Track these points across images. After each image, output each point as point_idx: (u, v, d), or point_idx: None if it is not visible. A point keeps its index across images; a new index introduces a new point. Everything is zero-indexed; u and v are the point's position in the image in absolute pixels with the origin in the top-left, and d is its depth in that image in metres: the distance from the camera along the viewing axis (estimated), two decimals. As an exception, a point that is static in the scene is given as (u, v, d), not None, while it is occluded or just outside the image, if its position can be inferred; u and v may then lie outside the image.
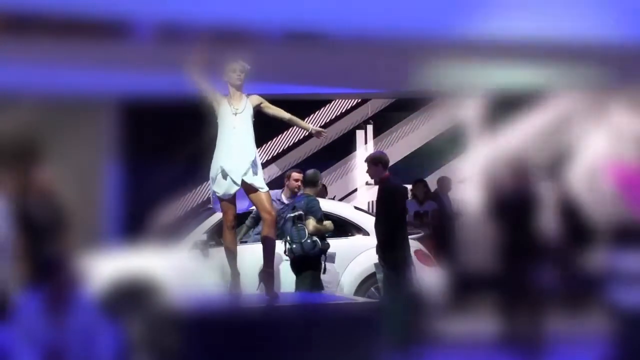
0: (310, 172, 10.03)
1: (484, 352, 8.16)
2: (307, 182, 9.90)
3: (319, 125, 15.78)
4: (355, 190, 14.74)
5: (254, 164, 7.78)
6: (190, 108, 7.87)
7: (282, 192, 10.38)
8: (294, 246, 9.54)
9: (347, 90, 13.03)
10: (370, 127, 15.35)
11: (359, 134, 15.18)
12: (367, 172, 9.61)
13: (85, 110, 7.97)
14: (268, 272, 7.87)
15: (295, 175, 10.36)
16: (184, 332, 7.06)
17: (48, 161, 7.88)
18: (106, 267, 8.93)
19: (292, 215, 9.61)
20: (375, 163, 9.37)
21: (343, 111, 15.95)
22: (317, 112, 15.84)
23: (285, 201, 10.25)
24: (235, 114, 7.74)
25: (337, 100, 15.63)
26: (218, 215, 10.33)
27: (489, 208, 8.58)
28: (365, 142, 15.60)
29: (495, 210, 8.50)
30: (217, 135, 7.81)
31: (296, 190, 10.32)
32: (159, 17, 7.50)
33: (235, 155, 7.74)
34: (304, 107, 14.45)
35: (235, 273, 7.94)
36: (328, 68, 9.27)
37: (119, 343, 6.56)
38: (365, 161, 9.57)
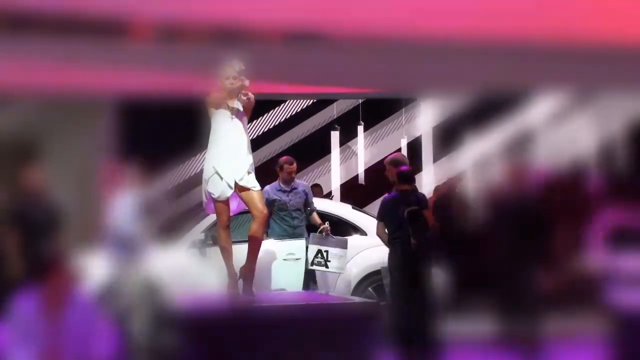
0: (406, 168, 9.85)
1: (484, 353, 8.16)
2: (405, 178, 9.58)
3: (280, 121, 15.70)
4: (330, 193, 14.52)
5: (250, 166, 7.85)
6: (189, 108, 7.90)
7: (278, 182, 10.39)
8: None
9: (346, 90, 13.00)
10: (360, 128, 15.16)
11: (333, 135, 14.94)
12: (387, 173, 9.79)
13: (84, 110, 7.96)
14: (251, 270, 7.94)
15: (288, 167, 10.35)
16: (182, 332, 7.05)
17: (46, 160, 7.86)
18: (104, 266, 8.90)
19: (410, 209, 9.43)
20: (396, 165, 9.58)
21: (298, 111, 15.73)
22: (271, 111, 15.61)
23: (287, 188, 10.30)
24: (232, 117, 7.81)
25: (293, 100, 15.36)
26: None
27: (487, 210, 8.61)
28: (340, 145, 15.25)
29: (494, 212, 8.54)
30: (210, 137, 7.88)
31: (292, 176, 10.34)
32: (159, 16, 7.47)
33: (232, 159, 7.82)
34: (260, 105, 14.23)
35: (231, 272, 7.98)
36: (328, 68, 9.26)
37: (116, 343, 6.55)
38: (385, 163, 9.79)
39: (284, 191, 10.29)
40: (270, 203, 10.04)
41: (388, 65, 8.64)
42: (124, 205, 7.98)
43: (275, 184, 10.37)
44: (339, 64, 8.60)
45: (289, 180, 10.34)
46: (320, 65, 8.71)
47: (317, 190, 13.51)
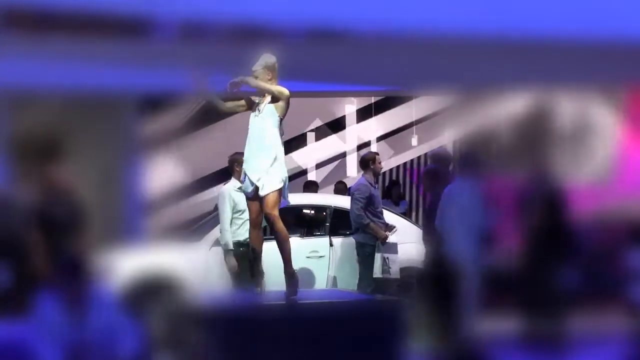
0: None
1: (510, 351, 8.14)
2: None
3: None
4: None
5: (272, 163, 7.63)
6: (210, 105, 7.87)
7: (368, 176, 10.22)
8: None
9: (369, 87, 12.99)
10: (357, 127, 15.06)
11: (310, 136, 14.78)
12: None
13: (107, 108, 7.99)
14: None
15: (379, 157, 10.30)
16: (205, 330, 7.06)
17: (69, 158, 7.89)
18: (127, 264, 8.93)
19: None
20: (440, 160, 9.74)
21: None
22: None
23: (374, 183, 10.22)
24: (256, 115, 7.69)
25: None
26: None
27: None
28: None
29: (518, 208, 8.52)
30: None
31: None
32: (181, 15, 7.50)
33: (252, 157, 7.67)
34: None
35: (259, 272, 7.89)
36: (350, 66, 9.27)
37: (140, 340, 6.57)
38: (429, 156, 10.19)
39: (373, 186, 10.11)
40: (368, 198, 9.94)
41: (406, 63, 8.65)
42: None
43: (368, 177, 10.20)
44: (362, 62, 8.60)
45: (377, 175, 10.24)
46: (342, 63, 8.71)
47: (314, 188, 13.25)
